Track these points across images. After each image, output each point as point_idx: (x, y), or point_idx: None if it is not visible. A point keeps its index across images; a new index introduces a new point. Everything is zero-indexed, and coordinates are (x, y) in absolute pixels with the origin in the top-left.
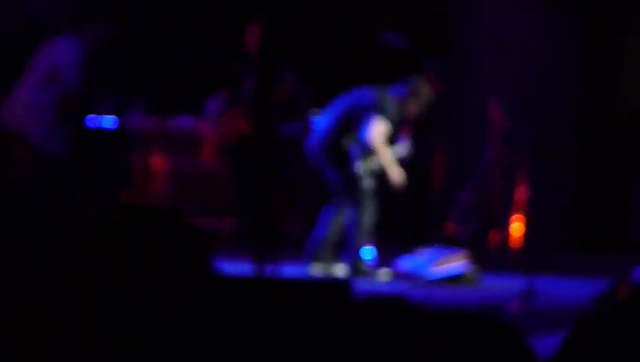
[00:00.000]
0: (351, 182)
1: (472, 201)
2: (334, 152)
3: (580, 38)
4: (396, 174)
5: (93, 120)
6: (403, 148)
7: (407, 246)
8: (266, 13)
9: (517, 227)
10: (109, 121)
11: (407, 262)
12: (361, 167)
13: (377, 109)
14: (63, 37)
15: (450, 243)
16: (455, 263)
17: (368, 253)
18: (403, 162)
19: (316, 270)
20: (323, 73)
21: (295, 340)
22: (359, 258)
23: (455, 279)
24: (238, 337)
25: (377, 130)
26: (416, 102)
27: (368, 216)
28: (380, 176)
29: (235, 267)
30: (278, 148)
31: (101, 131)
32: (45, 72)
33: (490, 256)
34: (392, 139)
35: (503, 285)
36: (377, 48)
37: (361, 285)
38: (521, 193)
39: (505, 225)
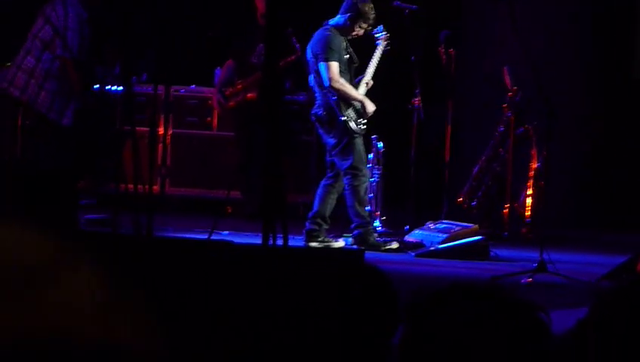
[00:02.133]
0: (344, 135)
1: (484, 174)
2: (322, 114)
3: (594, 4)
4: (368, 105)
5: (98, 86)
6: (366, 81)
7: (419, 219)
8: None
9: (530, 199)
10: (114, 87)
11: (418, 235)
12: (345, 112)
13: (322, 54)
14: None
15: (462, 215)
16: (467, 236)
17: (375, 221)
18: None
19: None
20: None
21: (309, 307)
22: (367, 228)
23: (466, 252)
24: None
25: (330, 73)
26: (363, 23)
27: (365, 181)
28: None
29: (244, 238)
30: (286, 117)
31: (106, 98)
32: (46, 37)
33: (503, 228)
34: (356, 70)
35: (515, 258)
36: (388, 16)
37: (371, 256)
38: (535, 164)
39: (518, 197)
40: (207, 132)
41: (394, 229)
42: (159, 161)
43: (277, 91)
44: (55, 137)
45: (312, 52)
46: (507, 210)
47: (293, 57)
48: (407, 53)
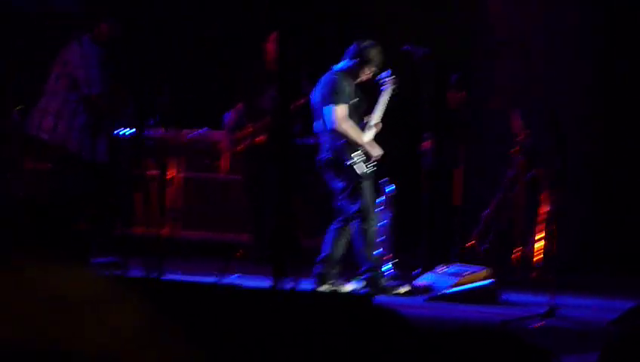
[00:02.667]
0: (352, 178)
1: (494, 217)
2: (329, 158)
3: (594, 54)
4: (374, 149)
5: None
6: (373, 123)
7: (429, 263)
8: (284, 25)
9: (540, 243)
10: (127, 129)
11: (428, 279)
12: (352, 155)
13: (328, 97)
14: (76, 40)
15: (472, 259)
16: (477, 280)
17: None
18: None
19: (325, 290)
20: None
21: (317, 351)
22: (377, 272)
23: (476, 296)
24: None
25: (337, 114)
26: (370, 68)
27: (373, 225)
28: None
29: (254, 281)
30: (296, 160)
31: (119, 139)
32: (67, 79)
33: (513, 272)
34: (364, 114)
35: (525, 303)
36: (399, 60)
37: (381, 299)
38: (545, 208)
39: (528, 241)
40: (218, 175)
41: (404, 272)
42: (169, 204)
43: (287, 133)
44: (86, 175)
45: (318, 97)
46: (517, 254)
47: (303, 100)
48: (417, 97)
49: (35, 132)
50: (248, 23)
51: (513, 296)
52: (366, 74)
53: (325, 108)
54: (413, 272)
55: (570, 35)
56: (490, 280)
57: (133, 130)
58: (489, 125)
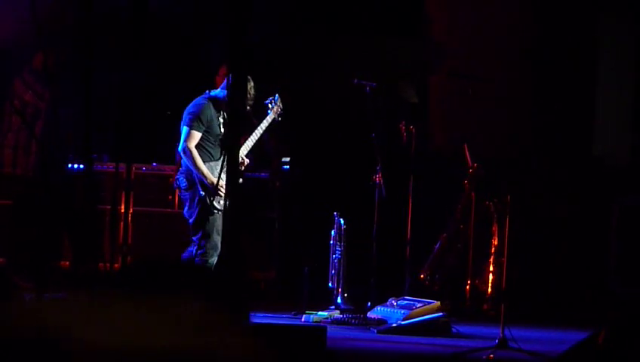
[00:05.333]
0: (203, 210)
1: (445, 250)
2: (183, 185)
3: (555, 86)
4: (209, 178)
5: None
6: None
7: (381, 296)
8: (235, 61)
9: (492, 275)
10: (77, 164)
11: (380, 311)
12: (205, 189)
13: (188, 119)
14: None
15: (424, 292)
16: (428, 313)
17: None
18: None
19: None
20: (293, 119)
21: None
22: None
23: (428, 328)
24: None
25: (187, 139)
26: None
27: (210, 257)
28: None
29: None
30: (246, 194)
31: (70, 174)
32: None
33: (465, 305)
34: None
35: (477, 335)
36: (348, 94)
37: (333, 333)
38: (496, 241)
39: (479, 273)
40: (168, 210)
41: (356, 306)
42: (120, 239)
43: (236, 168)
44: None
45: (183, 116)
46: (469, 286)
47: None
48: (367, 130)
49: None
50: (200, 55)
51: (465, 328)
52: None
53: (182, 128)
54: (366, 305)
55: (516, 66)
56: (441, 313)
57: (84, 164)
58: (440, 157)
